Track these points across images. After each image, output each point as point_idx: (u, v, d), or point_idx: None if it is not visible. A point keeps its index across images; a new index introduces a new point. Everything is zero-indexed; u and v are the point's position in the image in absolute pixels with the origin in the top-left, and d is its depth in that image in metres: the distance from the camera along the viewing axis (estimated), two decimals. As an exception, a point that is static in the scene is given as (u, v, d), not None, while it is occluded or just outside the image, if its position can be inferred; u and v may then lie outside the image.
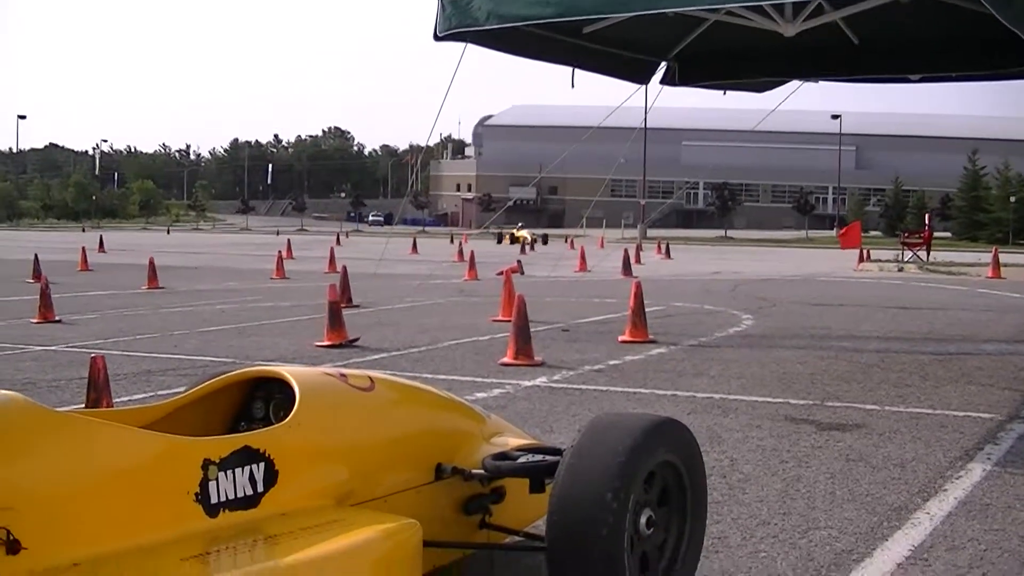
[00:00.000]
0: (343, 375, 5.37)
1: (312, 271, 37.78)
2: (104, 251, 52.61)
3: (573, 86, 18.54)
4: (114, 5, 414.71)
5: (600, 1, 14.17)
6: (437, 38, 15.12)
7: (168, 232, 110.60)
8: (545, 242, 77.03)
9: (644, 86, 21.19)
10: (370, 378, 5.47)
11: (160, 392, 11.87)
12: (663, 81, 20.69)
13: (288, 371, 5.24)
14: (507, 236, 77.53)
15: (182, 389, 10.50)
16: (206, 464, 4.39)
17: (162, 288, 28.98)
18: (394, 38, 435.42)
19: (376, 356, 15.08)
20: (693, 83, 21.08)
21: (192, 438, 4.59)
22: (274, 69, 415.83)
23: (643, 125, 44.35)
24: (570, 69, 18.51)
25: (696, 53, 19.56)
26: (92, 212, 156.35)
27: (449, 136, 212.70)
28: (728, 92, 22.44)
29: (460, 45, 15.81)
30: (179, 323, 19.76)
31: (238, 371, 5.50)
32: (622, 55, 19.07)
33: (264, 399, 5.34)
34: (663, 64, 20.35)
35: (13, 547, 3.71)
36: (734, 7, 14.92)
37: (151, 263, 30.38)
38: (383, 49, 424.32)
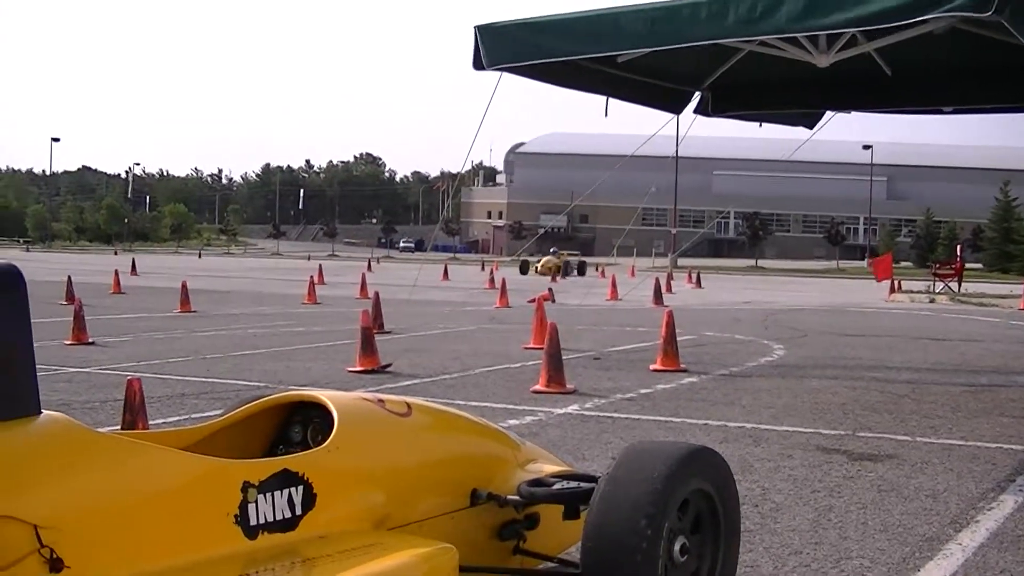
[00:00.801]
0: (380, 400, 5.41)
1: (343, 296, 37.85)
2: (136, 274, 52.82)
3: (607, 115, 18.62)
4: (148, 30, 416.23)
5: (634, 35, 14.31)
6: (478, 69, 15.29)
7: (200, 256, 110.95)
8: (581, 272, 73.58)
9: (677, 116, 21.28)
10: (407, 404, 5.51)
11: (194, 415, 11.93)
12: (696, 111, 20.74)
13: (326, 396, 5.28)
14: (534, 266, 72.20)
15: (216, 412, 10.54)
16: (246, 486, 4.43)
17: (194, 312, 29.15)
18: (425, 65, 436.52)
19: (408, 382, 15.11)
20: (726, 113, 21.14)
21: (232, 460, 4.63)
22: (307, 95, 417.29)
23: (675, 154, 44.33)
24: (604, 98, 18.63)
25: (729, 83, 19.61)
26: (124, 235, 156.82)
27: (480, 163, 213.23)
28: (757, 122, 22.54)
29: (494, 74, 15.97)
30: (211, 347, 19.84)
31: (276, 395, 5.54)
32: (656, 85, 19.13)
33: (302, 423, 5.39)
34: (697, 94, 20.40)
35: (56, 566, 3.75)
36: (768, 38, 14.95)
37: (183, 287, 30.48)
38: (414, 76, 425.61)
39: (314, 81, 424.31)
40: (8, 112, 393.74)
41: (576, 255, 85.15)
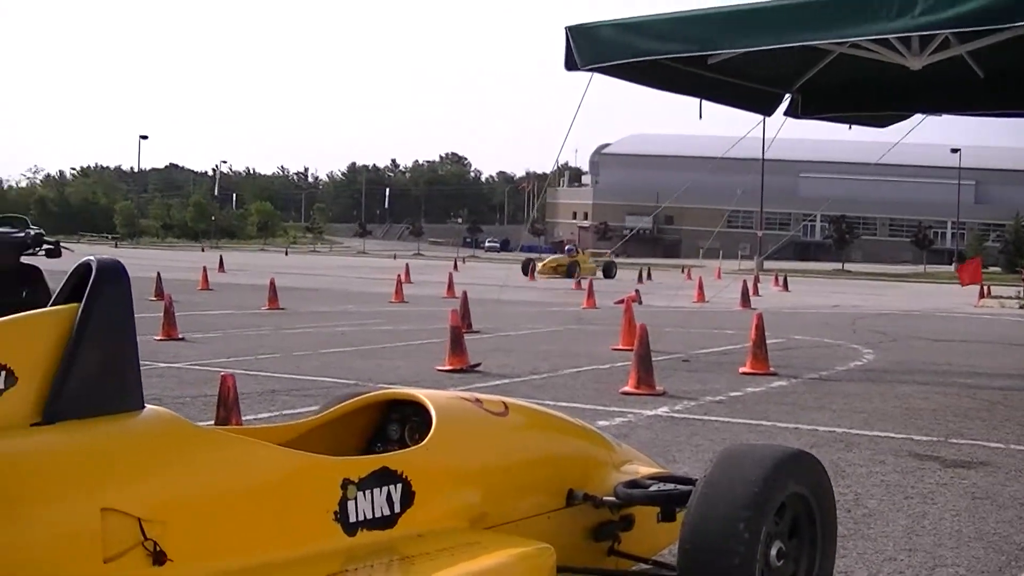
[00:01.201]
0: (478, 400, 5.43)
1: (430, 296, 37.92)
2: (224, 271, 53.23)
3: (701, 117, 18.56)
4: (235, 28, 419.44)
5: (727, 36, 14.28)
6: (569, 70, 15.31)
7: (286, 253, 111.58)
8: (609, 274, 66.47)
9: (765, 117, 21.20)
10: (504, 403, 5.52)
11: (285, 412, 12.00)
12: (787, 113, 20.64)
13: (424, 394, 5.31)
14: (547, 263, 65.64)
15: (308, 409, 10.61)
16: (345, 483, 4.46)
17: (282, 309, 29.34)
18: (510, 65, 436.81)
19: (497, 382, 15.13)
20: (816, 115, 21.03)
21: (333, 457, 4.67)
22: (393, 94, 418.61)
23: (762, 156, 44.18)
24: (692, 99, 18.59)
25: (820, 85, 19.50)
26: (211, 232, 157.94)
27: (566, 164, 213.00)
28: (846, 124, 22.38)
29: (583, 74, 15.98)
30: (300, 344, 19.95)
31: (374, 393, 5.57)
32: (747, 86, 19.05)
33: (400, 421, 5.41)
34: (787, 96, 20.30)
35: (160, 559, 3.80)
36: (860, 40, 14.86)
37: (272, 284, 30.63)
38: (500, 76, 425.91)
39: (401, 80, 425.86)
40: (98, 110, 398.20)
41: (605, 254, 79.38)
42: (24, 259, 10.53)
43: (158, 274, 34.37)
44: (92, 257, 4.18)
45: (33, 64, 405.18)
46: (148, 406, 4.14)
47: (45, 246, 10.66)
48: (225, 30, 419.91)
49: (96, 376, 3.97)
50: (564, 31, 15.54)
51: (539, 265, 64.10)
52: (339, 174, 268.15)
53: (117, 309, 4.07)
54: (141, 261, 51.36)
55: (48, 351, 3.95)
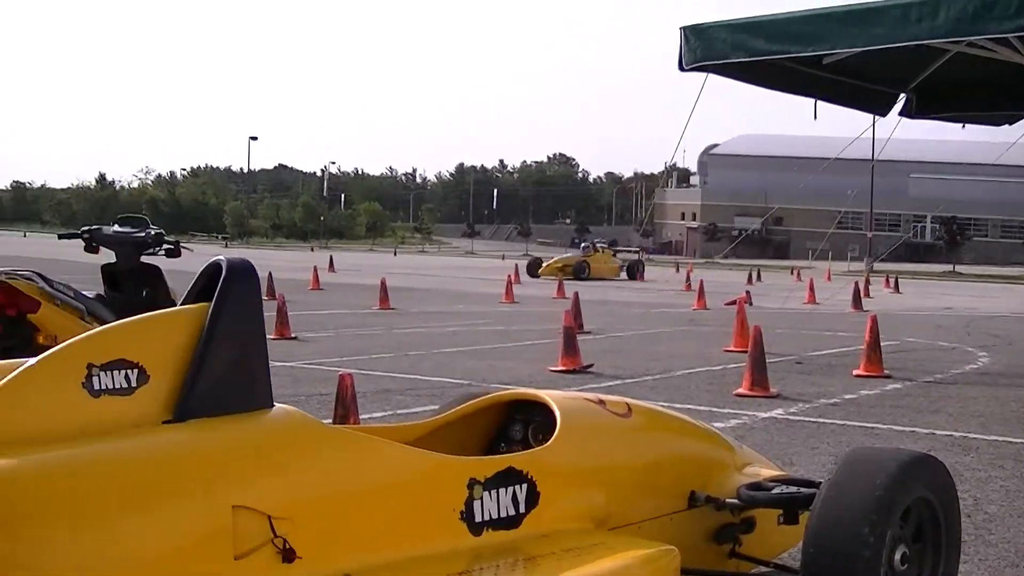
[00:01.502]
0: (601, 401, 5.44)
1: (540, 296, 37.86)
2: (334, 271, 53.47)
3: (816, 118, 18.36)
4: (345, 30, 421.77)
5: (843, 35, 14.15)
6: (682, 70, 15.28)
7: (395, 254, 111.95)
8: (633, 274, 58.28)
9: (877, 118, 21.02)
10: (627, 404, 5.52)
11: (399, 411, 12.06)
12: (901, 113, 20.42)
13: (548, 395, 5.32)
14: (551, 263, 57.46)
15: (423, 409, 10.65)
16: (472, 483, 4.49)
17: (393, 309, 29.46)
18: (616, 65, 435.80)
19: (610, 383, 15.10)
20: (931, 115, 20.81)
21: (459, 457, 4.70)
22: (501, 95, 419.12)
23: (872, 157, 43.72)
24: (803, 99, 18.46)
25: (935, 84, 19.27)
26: (320, 232, 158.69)
27: (674, 164, 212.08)
28: (958, 124, 22.13)
29: (692, 74, 15.92)
30: (412, 343, 20.04)
31: (497, 393, 5.60)
32: (863, 86, 18.86)
33: (523, 422, 5.43)
34: (902, 95, 20.09)
35: (289, 556, 3.85)
36: (978, 39, 14.68)
37: (383, 284, 30.74)
38: (607, 76, 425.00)
39: (509, 81, 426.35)
40: (208, 112, 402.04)
41: (632, 250, 73.08)
42: (144, 259, 10.66)
43: (269, 274, 34.52)
44: (222, 257, 4.24)
45: (144, 67, 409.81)
46: (277, 404, 4.20)
47: (165, 246, 10.77)
48: (335, 32, 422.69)
49: (226, 375, 4.03)
50: (679, 31, 15.49)
51: (543, 265, 57.08)
52: (447, 175, 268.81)
53: (247, 308, 4.13)
54: (253, 261, 51.66)
55: (179, 350, 4.01)
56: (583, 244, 62.65)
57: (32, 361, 3.90)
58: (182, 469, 3.79)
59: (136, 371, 3.89)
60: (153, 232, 10.74)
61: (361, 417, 10.86)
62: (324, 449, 4.15)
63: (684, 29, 15.49)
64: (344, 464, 4.17)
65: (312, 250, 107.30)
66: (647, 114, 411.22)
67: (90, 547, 3.49)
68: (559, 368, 16.24)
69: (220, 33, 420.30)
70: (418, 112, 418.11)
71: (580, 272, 54.52)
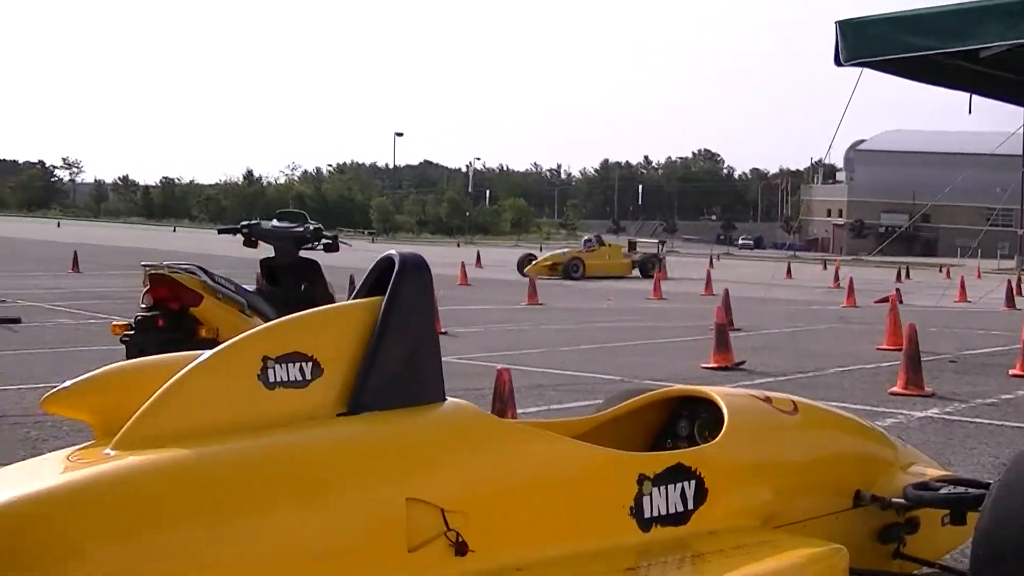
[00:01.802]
0: (767, 398, 5.39)
1: (687, 293, 37.70)
2: (481, 266, 53.66)
3: (971, 112, 18.13)
4: (488, 27, 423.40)
5: (1001, 29, 13.90)
6: (839, 64, 15.13)
7: (540, 249, 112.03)
8: (647, 272, 50.17)
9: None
10: (793, 402, 5.47)
11: (553, 407, 12.07)
12: (1057, 107, 20.10)
13: (715, 391, 5.29)
14: (540, 260, 51.35)
15: (577, 404, 10.65)
16: (641, 479, 4.47)
17: (541, 304, 29.49)
18: (759, 61, 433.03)
19: (763, 380, 14.95)
20: (1090, 108, 20.44)
21: (629, 453, 4.69)
22: (645, 90, 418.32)
23: (1023, 153, 43.08)
24: (951, 92, 18.22)
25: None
26: (465, 228, 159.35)
27: (819, 160, 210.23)
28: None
29: (837, 70, 15.75)
30: (561, 339, 20.05)
31: (664, 389, 5.59)
32: (1020, 80, 18.57)
33: (689, 418, 5.41)
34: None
35: (461, 549, 3.86)
36: None
37: (531, 280, 30.80)
38: (752, 71, 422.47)
39: (652, 77, 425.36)
40: (355, 108, 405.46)
41: (652, 242, 66.24)
42: (302, 253, 10.78)
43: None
44: (394, 251, 4.26)
45: (291, 65, 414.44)
46: (449, 398, 4.21)
47: (324, 241, 10.89)
48: (480, 28, 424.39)
49: (399, 368, 4.06)
50: (835, 25, 15.32)
51: (531, 263, 50.41)
52: (592, 170, 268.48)
53: (419, 302, 4.16)
54: (400, 256, 51.86)
55: (353, 343, 4.04)
56: (585, 239, 55.88)
57: (208, 353, 3.97)
58: (357, 462, 3.84)
59: (310, 364, 3.94)
60: (312, 227, 10.86)
61: (517, 412, 10.90)
62: (496, 443, 4.17)
63: (840, 23, 15.32)
64: (516, 458, 4.19)
65: (458, 245, 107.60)
66: (792, 109, 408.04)
67: (265, 538, 3.55)
68: (711, 365, 16.17)
69: (367, 30, 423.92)
70: (563, 108, 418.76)
71: (571, 271, 48.72)
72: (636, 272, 51.85)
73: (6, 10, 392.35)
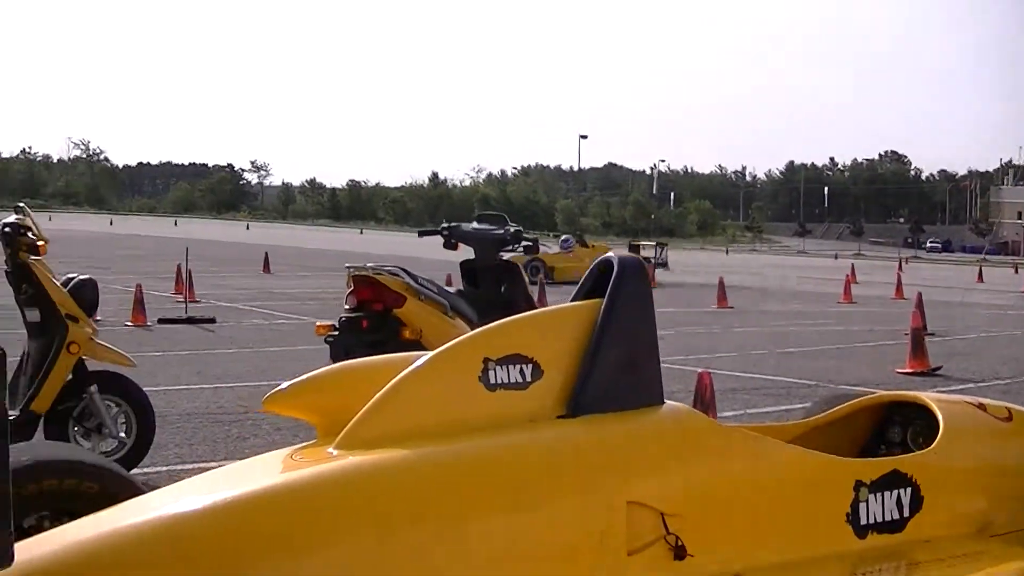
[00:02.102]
0: (981, 405, 5.32)
1: (877, 296, 37.07)
2: (668, 268, 53.47)
3: None
4: (671, 30, 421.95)
5: None
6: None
7: (726, 252, 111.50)
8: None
9: None
10: (1008, 409, 5.38)
11: (748, 411, 12.02)
12: None
13: (928, 397, 5.24)
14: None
15: (774, 409, 10.58)
16: (858, 485, 4.44)
17: (731, 308, 29.33)
18: (949, 60, 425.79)
19: (960, 386, 14.71)
20: None
21: (846, 458, 4.66)
22: (829, 91, 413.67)
23: None
24: None
25: None
26: (650, 230, 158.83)
27: (1010, 161, 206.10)
28: None
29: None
30: (753, 343, 19.93)
31: (877, 394, 5.56)
32: None
33: (901, 424, 5.35)
34: None
35: (680, 553, 3.87)
36: None
37: (720, 283, 30.66)
38: (939, 71, 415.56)
39: (835, 78, 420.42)
40: (539, 111, 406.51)
41: (649, 244, 59.81)
42: (503, 255, 10.86)
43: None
44: (612, 254, 4.28)
45: (478, 67, 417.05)
46: (668, 402, 4.21)
47: (524, 243, 10.95)
48: (663, 31, 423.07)
49: (618, 371, 4.08)
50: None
51: None
52: (777, 172, 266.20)
53: (639, 305, 4.17)
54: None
55: (573, 345, 4.07)
56: (563, 238, 49.11)
57: (430, 355, 4.03)
58: (577, 464, 3.87)
59: (531, 366, 3.98)
60: (512, 229, 10.93)
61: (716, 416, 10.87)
62: (716, 447, 4.17)
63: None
64: (735, 463, 4.19)
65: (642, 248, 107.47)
66: (980, 109, 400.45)
67: (487, 539, 3.60)
68: (907, 370, 15.95)
69: (554, 34, 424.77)
70: (747, 109, 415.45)
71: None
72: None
73: (196, 19, 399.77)
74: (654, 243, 61.48)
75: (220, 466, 8.22)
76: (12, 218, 8.93)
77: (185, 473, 8.82)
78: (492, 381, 3.92)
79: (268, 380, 13.73)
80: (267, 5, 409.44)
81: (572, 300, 4.34)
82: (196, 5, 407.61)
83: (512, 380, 3.95)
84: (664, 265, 51.13)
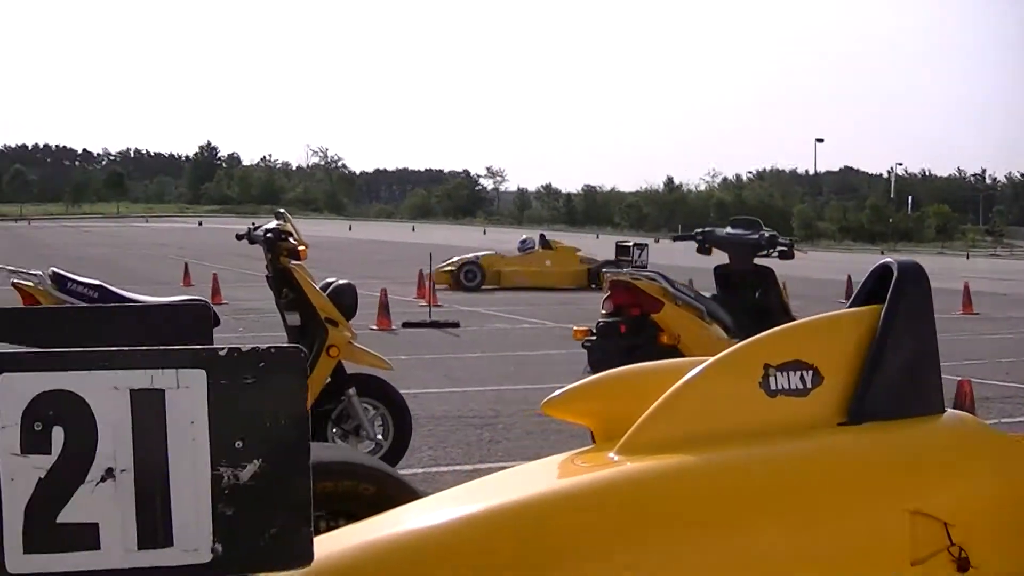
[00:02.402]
0: None
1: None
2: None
3: None
4: (912, 34, 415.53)
5: None
6: None
7: (967, 257, 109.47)
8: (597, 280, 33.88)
9: None
10: None
11: (1003, 420, 11.78)
12: None
13: None
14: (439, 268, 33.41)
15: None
16: None
17: (977, 314, 28.83)
18: None
19: None
20: None
21: None
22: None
23: None
24: None
25: None
26: (887, 235, 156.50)
27: None
28: None
29: None
30: (1005, 350, 19.56)
31: None
32: None
33: None
34: None
35: (963, 565, 3.80)
36: None
37: (966, 288, 30.11)
38: None
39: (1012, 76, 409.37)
40: (776, 115, 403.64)
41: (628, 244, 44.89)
42: (757, 260, 10.81)
43: (848, 277, 34.23)
44: (891, 259, 4.24)
45: (716, 72, 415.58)
46: (948, 410, 4.15)
47: (779, 248, 10.89)
48: (904, 33, 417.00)
49: (899, 377, 4.03)
50: None
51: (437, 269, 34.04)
52: (1019, 176, 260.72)
53: (920, 310, 4.12)
54: (823, 264, 51.55)
55: (852, 351, 4.05)
56: (522, 239, 40.72)
57: (710, 360, 4.03)
58: (860, 472, 3.85)
59: (811, 372, 3.96)
60: (767, 234, 10.87)
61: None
62: (1001, 457, 4.10)
63: None
64: (1020, 473, 4.09)
65: (882, 253, 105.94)
66: None
67: (770, 546, 3.59)
68: None
69: (788, 36, 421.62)
70: (985, 111, 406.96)
71: (466, 279, 35.69)
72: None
73: (432, 31, 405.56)
74: (631, 243, 54.63)
75: (475, 469, 8.31)
76: (273, 224, 9.18)
77: (440, 476, 8.98)
78: (772, 387, 3.91)
79: (515, 384, 13.90)
80: (503, 15, 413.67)
81: (850, 305, 4.31)
82: (433, 19, 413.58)
83: (792, 386, 3.93)
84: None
